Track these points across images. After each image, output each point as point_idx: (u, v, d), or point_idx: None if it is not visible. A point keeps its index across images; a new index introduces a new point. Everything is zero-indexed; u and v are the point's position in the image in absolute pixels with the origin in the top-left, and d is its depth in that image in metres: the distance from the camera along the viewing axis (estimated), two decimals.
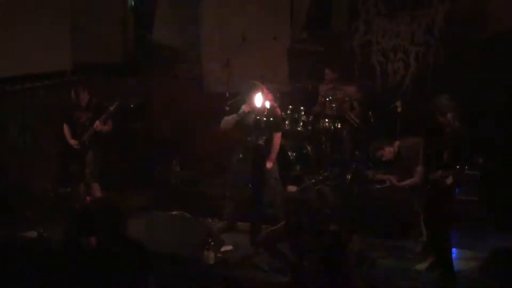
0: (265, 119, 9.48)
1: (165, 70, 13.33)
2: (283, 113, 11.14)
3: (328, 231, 6.72)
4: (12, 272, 8.88)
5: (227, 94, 10.94)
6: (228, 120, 9.77)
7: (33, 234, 9.68)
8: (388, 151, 9.86)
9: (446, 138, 8.27)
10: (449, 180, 8.08)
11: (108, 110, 10.38)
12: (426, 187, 8.41)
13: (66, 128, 10.62)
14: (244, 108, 9.50)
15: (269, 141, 9.64)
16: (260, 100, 9.30)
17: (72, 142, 10.53)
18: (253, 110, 9.46)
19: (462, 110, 8.34)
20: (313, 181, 10.89)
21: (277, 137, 9.82)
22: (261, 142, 9.55)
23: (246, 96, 9.57)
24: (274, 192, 9.73)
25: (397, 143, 9.77)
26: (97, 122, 10.34)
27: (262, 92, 9.38)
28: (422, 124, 9.18)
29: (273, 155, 9.74)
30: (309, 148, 11.36)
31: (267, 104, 9.53)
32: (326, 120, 11.34)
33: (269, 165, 9.62)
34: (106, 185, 10.58)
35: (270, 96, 9.75)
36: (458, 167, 8.05)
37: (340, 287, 6.62)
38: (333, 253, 6.63)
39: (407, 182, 9.50)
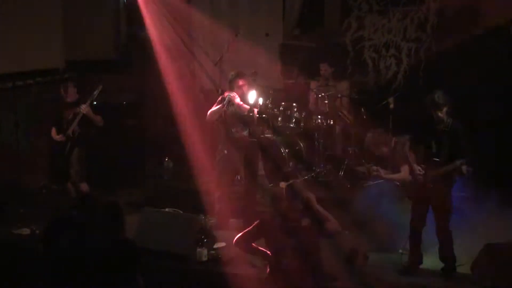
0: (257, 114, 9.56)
1: (157, 67, 13.31)
2: (275, 109, 11.16)
3: (300, 227, 6.74)
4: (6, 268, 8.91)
5: (219, 91, 10.94)
6: (214, 111, 9.80)
7: (26, 231, 9.68)
8: (386, 149, 9.91)
9: (442, 134, 8.28)
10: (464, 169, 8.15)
11: (92, 94, 10.34)
12: (425, 184, 8.41)
13: (53, 130, 10.58)
14: (231, 96, 9.56)
15: (256, 135, 9.68)
16: (252, 93, 9.40)
17: (58, 137, 10.47)
18: (239, 99, 9.57)
19: (454, 106, 8.37)
20: (306, 177, 10.90)
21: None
22: (245, 133, 9.61)
23: (231, 84, 9.72)
24: (262, 189, 9.76)
25: (394, 139, 9.80)
26: (82, 106, 10.29)
27: (247, 80, 9.50)
28: (414, 121, 9.17)
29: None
30: (301, 144, 11.36)
31: (260, 100, 9.61)
32: (319, 116, 11.35)
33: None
34: (98, 183, 10.59)
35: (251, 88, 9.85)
36: (462, 160, 8.11)
37: (315, 281, 6.66)
38: (306, 247, 6.66)
39: (394, 176, 9.56)
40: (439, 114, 8.21)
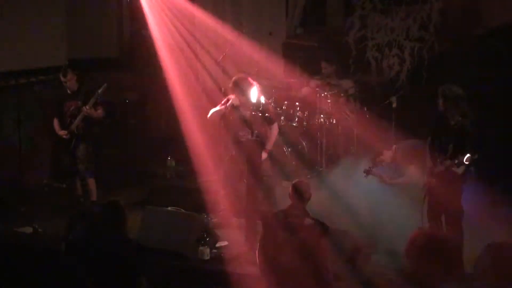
0: (260, 114, 9.47)
1: (159, 66, 13.30)
2: (278, 108, 11.15)
3: (303, 225, 6.75)
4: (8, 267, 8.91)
5: (222, 90, 10.94)
6: (215, 112, 9.70)
7: (28, 229, 9.69)
8: (387, 156, 9.90)
9: (452, 129, 8.28)
10: (461, 170, 8.12)
11: (96, 93, 10.29)
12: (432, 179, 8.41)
13: (56, 121, 10.57)
14: (232, 101, 9.44)
15: (262, 136, 9.58)
16: (254, 95, 9.30)
17: (61, 133, 10.44)
18: (242, 104, 9.42)
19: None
20: (308, 176, 10.89)
21: (274, 128, 9.68)
22: (253, 137, 9.53)
23: (235, 90, 9.54)
24: (267, 189, 9.73)
25: (395, 146, 9.82)
26: (85, 107, 10.25)
27: (250, 85, 9.35)
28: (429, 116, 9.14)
29: (269, 145, 9.64)
30: (304, 143, 11.37)
31: (262, 99, 9.55)
32: (321, 115, 11.34)
33: (264, 155, 9.55)
34: (100, 181, 10.59)
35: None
36: (467, 156, 8.07)
37: (317, 280, 6.66)
38: (309, 247, 6.67)
39: (399, 180, 9.54)
40: (456, 110, 8.24)
